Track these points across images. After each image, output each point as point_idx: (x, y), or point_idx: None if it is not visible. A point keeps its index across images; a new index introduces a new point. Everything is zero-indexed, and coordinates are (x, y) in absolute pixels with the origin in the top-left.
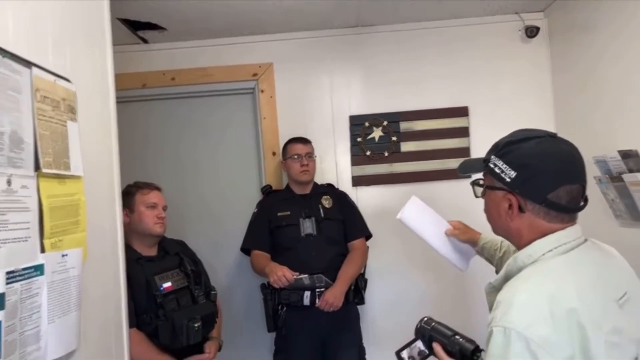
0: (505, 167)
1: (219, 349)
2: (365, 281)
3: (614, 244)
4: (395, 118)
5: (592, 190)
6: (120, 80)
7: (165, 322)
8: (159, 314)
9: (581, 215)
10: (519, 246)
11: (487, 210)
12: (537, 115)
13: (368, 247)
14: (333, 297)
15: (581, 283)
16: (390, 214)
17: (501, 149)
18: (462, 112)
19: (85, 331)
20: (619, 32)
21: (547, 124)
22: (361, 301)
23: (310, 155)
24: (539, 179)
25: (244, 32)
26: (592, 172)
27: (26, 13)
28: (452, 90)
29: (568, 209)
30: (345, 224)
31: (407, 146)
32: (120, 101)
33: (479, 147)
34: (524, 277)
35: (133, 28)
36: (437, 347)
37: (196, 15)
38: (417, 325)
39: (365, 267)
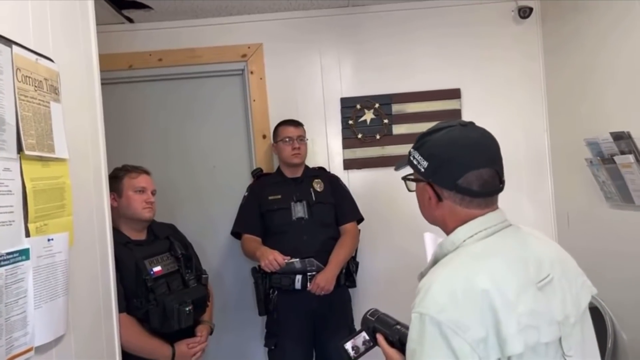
0: (420, 158)
1: (211, 333)
2: (357, 264)
3: (605, 225)
4: (387, 100)
5: (583, 172)
6: (106, 61)
7: (155, 306)
8: (149, 298)
9: (572, 196)
10: (447, 234)
11: (418, 202)
12: (529, 96)
13: (359, 230)
14: (324, 281)
15: (496, 266)
16: (381, 197)
17: (417, 141)
18: (455, 94)
19: (74, 316)
20: (610, 12)
21: (538, 105)
22: (352, 284)
23: (301, 138)
24: (446, 166)
25: (232, 11)
26: (583, 154)
27: None
28: (444, 71)
29: (481, 194)
30: (337, 208)
31: (399, 129)
32: (106, 82)
33: None
34: (443, 264)
35: (118, 7)
36: (379, 337)
37: None
38: (363, 316)
39: (356, 250)
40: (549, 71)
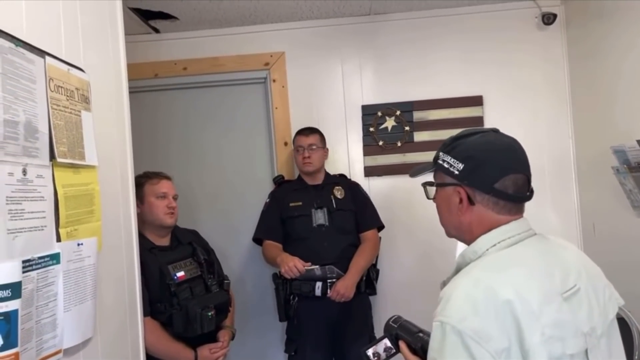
0: (453, 161)
1: (232, 338)
2: (377, 272)
3: (631, 234)
4: (408, 107)
5: (610, 180)
6: (133, 70)
7: (179, 310)
8: (173, 302)
9: (598, 205)
10: (470, 242)
11: (439, 210)
12: (553, 103)
13: (380, 237)
14: (344, 288)
15: (520, 275)
16: (402, 205)
17: (448, 145)
18: (477, 101)
19: (101, 320)
20: (637, 19)
21: (563, 113)
22: (373, 292)
23: (312, 146)
24: (485, 169)
25: (255, 20)
26: (610, 162)
27: (39, 3)
28: (466, 79)
29: (515, 198)
30: (358, 215)
31: (420, 136)
32: (132, 91)
33: None
34: (465, 272)
35: (145, 17)
36: (402, 344)
37: (207, 4)
38: (386, 322)
39: (377, 257)
40: (573, 78)
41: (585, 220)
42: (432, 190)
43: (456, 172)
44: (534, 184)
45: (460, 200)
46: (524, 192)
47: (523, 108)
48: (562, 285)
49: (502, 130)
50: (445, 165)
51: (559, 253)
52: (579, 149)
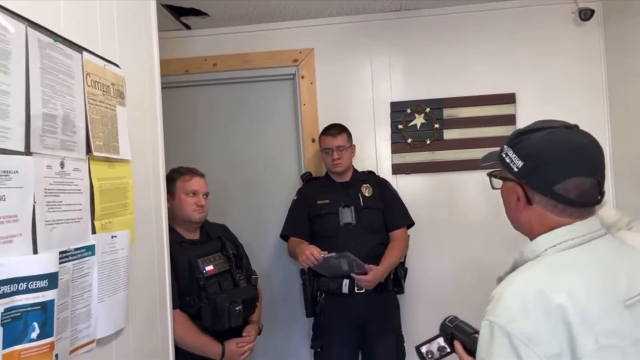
0: (514, 157)
1: (259, 333)
2: (406, 270)
3: None
4: (438, 105)
5: None
6: (163, 66)
7: (207, 304)
8: (201, 296)
9: (635, 209)
10: (531, 239)
11: (503, 203)
12: (589, 103)
13: (409, 235)
14: (372, 275)
15: (576, 280)
16: (431, 204)
17: (513, 138)
18: (509, 99)
19: (132, 311)
20: None
21: (599, 113)
22: (400, 290)
23: (341, 148)
24: (545, 170)
25: (285, 17)
26: None
27: None
28: (498, 76)
29: (576, 203)
30: (386, 213)
31: (450, 134)
32: (163, 87)
33: None
34: (519, 272)
35: (176, 14)
36: (457, 345)
37: (238, 1)
38: (442, 322)
39: (405, 256)
40: (611, 76)
41: None
42: (498, 181)
43: (515, 170)
44: None
45: (518, 199)
46: (592, 197)
47: (558, 106)
48: (626, 291)
49: None
50: (507, 160)
51: (628, 257)
52: (616, 150)
